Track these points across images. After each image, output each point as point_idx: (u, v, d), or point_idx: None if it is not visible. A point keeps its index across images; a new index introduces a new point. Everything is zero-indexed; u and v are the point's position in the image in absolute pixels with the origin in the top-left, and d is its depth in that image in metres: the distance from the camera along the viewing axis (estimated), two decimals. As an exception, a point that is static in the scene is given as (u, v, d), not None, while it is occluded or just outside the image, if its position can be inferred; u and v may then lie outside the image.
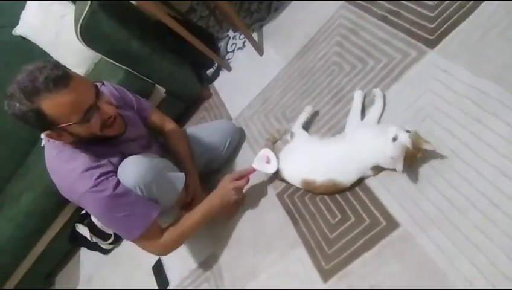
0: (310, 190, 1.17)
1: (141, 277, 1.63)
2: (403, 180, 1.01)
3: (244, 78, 1.78)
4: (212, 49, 1.97)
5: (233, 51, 1.93)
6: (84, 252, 2.05)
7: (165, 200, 1.15)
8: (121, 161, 1.08)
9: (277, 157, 1.23)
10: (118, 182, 1.04)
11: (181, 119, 1.89)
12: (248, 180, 1.26)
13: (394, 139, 0.93)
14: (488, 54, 1.00)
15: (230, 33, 2.03)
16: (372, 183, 1.07)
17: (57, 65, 0.92)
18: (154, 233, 1.15)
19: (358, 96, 1.19)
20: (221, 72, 1.93)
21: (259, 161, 1.25)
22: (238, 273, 1.27)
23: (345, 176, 1.07)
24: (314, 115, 1.34)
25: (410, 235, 0.93)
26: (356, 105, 1.17)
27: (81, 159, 1.01)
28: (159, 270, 1.58)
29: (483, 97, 0.96)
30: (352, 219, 1.07)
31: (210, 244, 1.41)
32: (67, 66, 1.85)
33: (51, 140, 1.04)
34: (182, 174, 1.21)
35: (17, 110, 0.89)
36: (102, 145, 1.08)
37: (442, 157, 0.96)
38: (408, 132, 0.94)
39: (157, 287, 1.53)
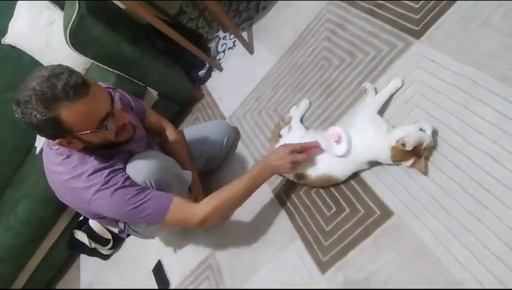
0: (304, 183, 1.18)
1: (142, 280, 1.63)
2: (395, 168, 1.02)
3: (236, 77, 1.79)
4: (203, 50, 1.98)
5: (223, 51, 1.94)
6: (83, 258, 2.05)
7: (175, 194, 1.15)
8: (128, 159, 1.08)
9: (349, 140, 1.04)
10: (128, 177, 1.04)
11: (175, 121, 1.90)
12: (309, 157, 1.09)
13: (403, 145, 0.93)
14: (473, 42, 1.02)
15: (220, 33, 2.04)
16: (365, 173, 1.08)
17: (73, 71, 0.88)
18: (184, 208, 1.07)
19: (391, 85, 1.11)
20: (212, 73, 1.94)
21: (327, 139, 1.07)
22: (237, 271, 1.28)
23: (341, 172, 1.08)
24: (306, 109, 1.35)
25: (404, 223, 0.95)
26: (383, 95, 1.10)
27: (90, 163, 1.01)
28: (159, 272, 1.58)
29: (470, 84, 0.98)
30: (347, 210, 1.08)
31: (208, 242, 1.42)
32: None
33: (54, 147, 1.03)
34: (188, 171, 1.22)
35: (33, 118, 0.85)
36: (109, 148, 1.07)
37: (432, 145, 0.98)
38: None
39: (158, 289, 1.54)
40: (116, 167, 1.03)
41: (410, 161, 0.95)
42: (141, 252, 1.71)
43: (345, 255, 1.03)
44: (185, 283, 1.44)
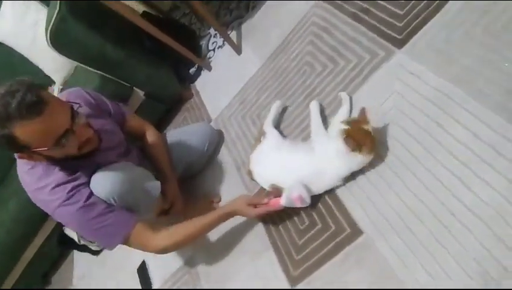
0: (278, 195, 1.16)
1: (127, 278, 1.65)
2: (366, 184, 1.00)
3: (224, 78, 1.76)
4: (194, 47, 1.96)
5: (214, 49, 1.91)
6: (77, 252, 2.09)
7: (141, 209, 1.15)
8: (94, 172, 1.07)
9: (308, 193, 1.04)
10: (91, 193, 1.03)
11: (163, 121, 1.89)
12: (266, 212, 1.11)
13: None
14: (453, 54, 0.97)
15: (212, 31, 2.00)
16: (339, 190, 1.06)
17: (30, 88, 0.87)
18: (143, 235, 1.10)
19: (314, 107, 1.17)
20: (202, 71, 1.91)
21: (289, 199, 1.04)
22: (214, 277, 1.28)
23: (314, 188, 1.06)
24: (288, 116, 1.33)
25: (372, 242, 0.93)
26: (315, 116, 1.15)
27: (54, 176, 1.00)
28: (143, 272, 1.60)
29: (446, 101, 0.94)
30: (319, 225, 1.07)
31: (189, 246, 1.42)
32: (47, 72, 1.86)
33: None
34: (158, 183, 1.20)
35: None
36: (77, 158, 1.06)
37: (404, 163, 0.95)
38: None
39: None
40: (80, 182, 1.02)
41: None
42: (128, 251, 1.72)
43: (314, 270, 1.02)
44: (167, 284, 1.46)
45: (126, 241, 1.09)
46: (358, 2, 1.28)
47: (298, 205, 1.04)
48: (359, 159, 0.95)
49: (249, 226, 1.24)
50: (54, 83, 1.89)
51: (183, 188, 1.43)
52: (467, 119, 0.88)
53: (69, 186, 1.00)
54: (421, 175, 0.91)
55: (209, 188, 1.47)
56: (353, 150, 0.92)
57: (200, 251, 1.37)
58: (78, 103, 1.03)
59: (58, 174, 1.01)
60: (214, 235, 1.34)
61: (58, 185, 0.99)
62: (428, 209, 0.86)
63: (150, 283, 1.54)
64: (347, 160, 0.96)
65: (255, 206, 1.10)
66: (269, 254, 1.15)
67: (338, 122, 1.02)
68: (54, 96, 0.94)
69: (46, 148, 0.92)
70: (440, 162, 0.89)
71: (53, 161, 1.01)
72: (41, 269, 2.11)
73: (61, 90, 1.84)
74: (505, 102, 0.84)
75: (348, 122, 0.96)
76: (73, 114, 0.96)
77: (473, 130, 0.86)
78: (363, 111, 0.98)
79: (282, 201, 1.05)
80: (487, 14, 0.94)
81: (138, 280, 1.59)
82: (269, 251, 1.15)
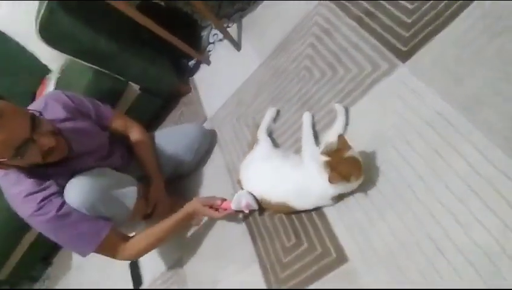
0: (265, 206, 1.13)
1: (121, 271, 1.66)
2: (357, 211, 0.95)
3: (222, 74, 1.69)
4: (195, 38, 1.88)
5: (214, 42, 1.83)
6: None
7: (116, 217, 1.13)
8: (70, 178, 1.05)
9: (256, 200, 1.12)
10: (63, 203, 1.02)
11: (159, 114, 1.85)
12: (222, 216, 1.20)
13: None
14: (460, 75, 0.89)
15: (213, 21, 1.91)
16: (328, 210, 1.01)
17: None
18: (114, 244, 1.13)
19: (306, 119, 1.13)
20: (201, 65, 1.84)
21: (238, 205, 1.13)
22: (200, 281, 1.28)
23: (301, 205, 1.03)
24: (282, 124, 1.27)
25: (356, 272, 0.89)
26: (306, 130, 1.09)
27: (25, 184, 0.99)
28: (134, 268, 1.61)
29: (448, 128, 0.86)
30: (306, 245, 1.03)
31: (178, 247, 1.41)
32: (44, 60, 1.82)
33: None
34: (134, 189, 1.17)
35: None
36: (50, 165, 1.03)
37: (398, 191, 0.89)
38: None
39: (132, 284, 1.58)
40: (51, 191, 1.01)
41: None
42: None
43: (296, 292, 1.00)
44: (156, 283, 1.46)
45: (97, 250, 1.09)
46: (365, 4, 1.18)
47: (246, 211, 1.14)
48: (347, 186, 0.90)
49: (237, 236, 1.22)
50: (51, 71, 1.86)
51: (171, 189, 1.41)
52: (468, 151, 0.81)
53: (40, 196, 0.99)
54: (413, 206, 0.85)
55: (198, 190, 1.44)
56: (340, 182, 0.87)
57: (188, 254, 1.36)
58: (39, 111, 1.01)
59: (28, 183, 0.99)
60: (203, 241, 1.33)
61: (29, 194, 0.98)
62: (417, 245, 0.81)
63: (140, 279, 1.55)
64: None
65: (210, 207, 1.18)
66: (254, 267, 1.13)
67: (327, 139, 0.98)
68: (11, 106, 0.91)
69: (5, 159, 0.90)
70: (434, 195, 0.83)
71: (23, 168, 0.99)
72: (42, 252, 2.16)
73: (58, 79, 1.81)
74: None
75: (328, 153, 0.90)
76: (34, 123, 0.92)
77: (473, 163, 0.79)
78: (341, 137, 0.92)
79: (232, 205, 1.13)
80: (502, 36, 0.85)
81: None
82: (254, 264, 1.13)
